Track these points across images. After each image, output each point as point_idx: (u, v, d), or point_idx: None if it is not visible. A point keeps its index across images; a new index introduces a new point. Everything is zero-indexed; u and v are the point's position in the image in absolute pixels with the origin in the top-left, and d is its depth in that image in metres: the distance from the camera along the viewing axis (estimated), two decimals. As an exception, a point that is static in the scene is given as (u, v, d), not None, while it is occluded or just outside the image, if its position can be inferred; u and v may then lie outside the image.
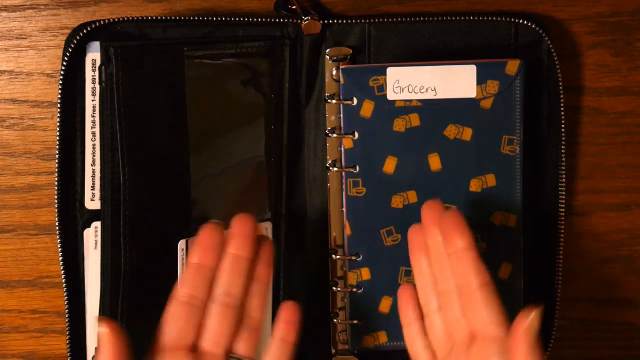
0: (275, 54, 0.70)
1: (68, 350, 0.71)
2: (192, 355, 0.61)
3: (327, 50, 0.71)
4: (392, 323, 0.72)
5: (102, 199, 0.68)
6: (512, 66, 0.69)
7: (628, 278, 0.77)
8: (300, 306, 0.66)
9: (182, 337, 0.61)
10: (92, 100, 0.69)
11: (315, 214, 0.73)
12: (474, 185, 0.71)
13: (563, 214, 0.72)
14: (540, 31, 0.70)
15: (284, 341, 0.64)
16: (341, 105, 0.70)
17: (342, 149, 0.71)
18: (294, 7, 0.70)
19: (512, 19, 0.70)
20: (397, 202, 0.71)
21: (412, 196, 0.71)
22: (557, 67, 0.70)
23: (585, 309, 0.77)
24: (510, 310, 0.72)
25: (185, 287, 0.62)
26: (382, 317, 0.72)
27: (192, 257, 0.62)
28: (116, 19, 0.68)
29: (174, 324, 0.61)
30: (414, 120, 0.70)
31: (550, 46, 0.70)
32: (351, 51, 0.71)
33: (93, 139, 0.69)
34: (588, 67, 0.73)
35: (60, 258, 0.70)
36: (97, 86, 0.68)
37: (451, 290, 0.62)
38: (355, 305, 0.72)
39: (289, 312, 0.64)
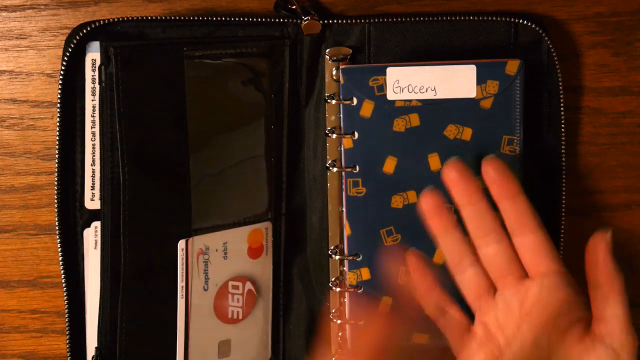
0: (275, 54, 0.70)
1: (68, 350, 0.71)
2: None
3: (327, 50, 0.71)
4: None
5: (102, 199, 0.68)
6: (512, 66, 0.69)
7: (628, 278, 0.77)
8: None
9: None
10: (92, 100, 0.69)
11: (315, 214, 0.73)
12: (474, 185, 0.71)
13: (563, 214, 0.72)
14: (540, 31, 0.70)
15: None
16: (341, 105, 0.70)
17: (342, 149, 0.71)
18: (294, 7, 0.70)
19: (512, 19, 0.70)
20: (397, 202, 0.71)
21: (412, 196, 0.71)
22: (557, 67, 0.70)
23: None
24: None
25: None
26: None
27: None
28: (116, 19, 0.68)
29: None
30: (414, 120, 0.70)
31: (550, 46, 0.70)
32: (351, 51, 0.71)
33: (93, 139, 0.69)
34: (588, 67, 0.73)
35: (60, 258, 0.70)
36: (97, 86, 0.68)
37: (492, 237, 0.63)
38: (355, 305, 0.72)
39: None
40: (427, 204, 0.64)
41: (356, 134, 0.70)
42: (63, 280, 0.70)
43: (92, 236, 0.70)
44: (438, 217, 0.64)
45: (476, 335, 0.63)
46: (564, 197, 0.72)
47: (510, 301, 0.62)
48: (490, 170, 0.63)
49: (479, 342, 0.62)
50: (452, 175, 0.63)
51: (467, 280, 0.64)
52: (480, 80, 0.69)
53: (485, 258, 0.63)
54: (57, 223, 0.70)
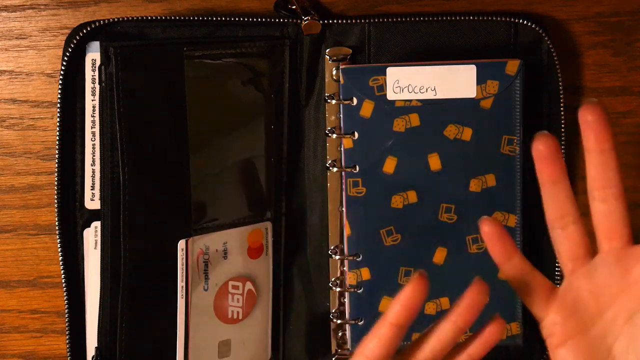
0: (275, 54, 0.70)
1: (68, 350, 0.71)
2: None
3: (327, 50, 0.71)
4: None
5: (102, 199, 0.68)
6: (512, 66, 0.69)
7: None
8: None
9: None
10: (92, 100, 0.69)
11: (315, 214, 0.73)
12: (474, 185, 0.71)
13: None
14: (540, 31, 0.70)
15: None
16: (341, 105, 0.70)
17: (342, 149, 0.71)
18: (294, 7, 0.70)
19: (512, 19, 0.70)
20: (397, 202, 0.71)
21: (412, 196, 0.71)
22: (557, 67, 0.70)
23: (585, 309, 0.77)
24: (510, 310, 0.73)
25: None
26: (382, 317, 0.72)
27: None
28: (116, 19, 0.68)
29: None
30: (414, 120, 0.70)
31: (550, 46, 0.70)
32: (351, 51, 0.71)
33: (93, 139, 0.69)
34: (588, 67, 0.73)
35: (60, 258, 0.70)
36: (97, 86, 0.68)
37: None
38: (355, 305, 0.72)
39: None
40: (542, 148, 0.56)
41: (356, 134, 0.70)
42: (63, 280, 0.70)
43: (92, 236, 0.70)
44: (551, 163, 0.56)
45: (565, 301, 0.57)
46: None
47: (613, 266, 0.56)
48: None
49: (568, 309, 0.57)
50: (590, 117, 0.55)
51: (567, 236, 0.57)
52: (480, 80, 0.69)
53: (597, 212, 0.57)
54: (57, 223, 0.70)
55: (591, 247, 0.58)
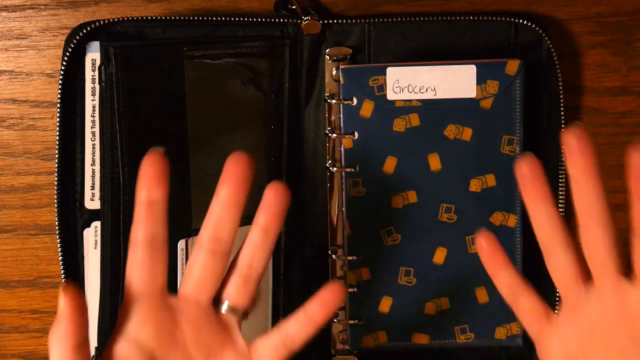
0: (275, 54, 0.70)
1: (68, 350, 0.71)
2: (169, 300, 0.56)
3: (327, 50, 0.71)
4: (392, 323, 0.72)
5: (102, 199, 0.68)
6: (512, 66, 0.69)
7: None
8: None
9: (151, 282, 0.55)
10: (92, 100, 0.69)
11: (315, 214, 0.73)
12: (474, 185, 0.71)
13: (563, 213, 0.72)
14: (540, 31, 0.70)
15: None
16: (341, 105, 0.70)
17: (342, 149, 0.71)
18: (294, 7, 0.70)
19: (512, 19, 0.70)
20: (397, 202, 0.71)
21: (412, 196, 0.71)
22: (557, 67, 0.70)
23: (585, 309, 0.77)
24: (510, 311, 0.73)
25: (142, 228, 0.56)
26: (382, 317, 0.72)
27: (140, 194, 0.56)
28: (116, 19, 0.68)
29: (139, 269, 0.55)
30: (414, 120, 0.70)
31: (550, 46, 0.70)
32: (351, 51, 0.71)
33: (93, 139, 0.69)
34: (588, 67, 0.73)
35: (60, 258, 0.70)
36: (97, 86, 0.68)
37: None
38: (355, 305, 0.72)
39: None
40: (525, 168, 0.54)
41: (356, 134, 0.70)
42: (63, 280, 0.70)
43: (92, 236, 0.70)
44: (534, 183, 0.55)
45: (558, 329, 0.56)
46: (563, 197, 0.72)
47: (606, 300, 0.54)
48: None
49: (562, 340, 0.55)
50: (575, 142, 0.54)
51: (556, 264, 0.56)
52: (480, 80, 0.69)
53: (587, 243, 0.55)
54: (57, 223, 0.70)
55: (585, 273, 0.56)
